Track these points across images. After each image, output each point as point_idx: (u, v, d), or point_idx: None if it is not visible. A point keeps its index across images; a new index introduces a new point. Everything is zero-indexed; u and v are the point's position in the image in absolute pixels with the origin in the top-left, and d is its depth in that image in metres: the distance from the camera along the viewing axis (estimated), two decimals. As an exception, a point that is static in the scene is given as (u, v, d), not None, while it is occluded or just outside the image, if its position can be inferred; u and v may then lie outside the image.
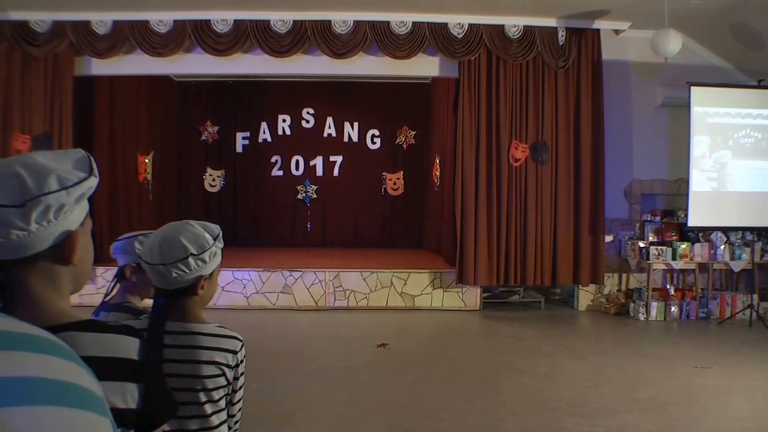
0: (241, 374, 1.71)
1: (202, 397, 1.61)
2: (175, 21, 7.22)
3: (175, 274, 1.60)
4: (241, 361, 1.70)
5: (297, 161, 10.82)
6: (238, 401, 1.72)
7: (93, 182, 0.93)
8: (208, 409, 1.62)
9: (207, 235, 1.65)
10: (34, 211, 0.86)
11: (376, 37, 7.29)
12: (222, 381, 1.65)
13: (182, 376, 1.59)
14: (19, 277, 0.88)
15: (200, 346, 1.63)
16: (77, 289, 0.99)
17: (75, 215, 0.93)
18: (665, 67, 7.36)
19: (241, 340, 1.70)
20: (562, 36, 7.42)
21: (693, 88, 7.10)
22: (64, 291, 0.94)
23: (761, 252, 7.42)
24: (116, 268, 2.22)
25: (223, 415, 1.68)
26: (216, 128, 10.78)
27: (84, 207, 0.95)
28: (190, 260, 1.59)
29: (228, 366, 1.66)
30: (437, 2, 6.92)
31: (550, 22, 7.38)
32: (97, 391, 0.51)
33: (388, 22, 7.28)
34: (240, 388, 1.72)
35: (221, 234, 1.72)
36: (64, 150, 0.95)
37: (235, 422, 1.73)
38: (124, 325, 1.65)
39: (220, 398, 1.66)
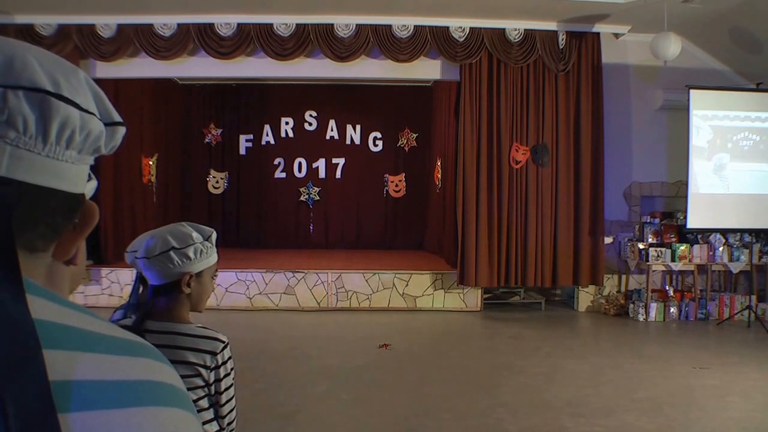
0: (225, 375, 1.70)
1: None
2: (179, 24, 7.27)
3: (158, 268, 1.63)
4: (224, 363, 1.70)
5: (300, 163, 10.88)
6: (227, 402, 1.72)
7: (95, 184, 0.98)
8: None
9: (195, 234, 1.67)
10: None
11: (379, 41, 7.34)
12: (198, 382, 1.65)
13: None
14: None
15: (176, 346, 1.64)
16: (71, 291, 1.01)
17: None
18: (664, 71, 7.41)
19: (223, 342, 1.70)
20: (563, 39, 7.48)
21: (692, 91, 7.16)
22: (66, 292, 0.97)
23: (759, 253, 7.47)
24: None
25: (207, 415, 1.68)
26: (219, 131, 10.85)
27: None
28: (172, 254, 1.62)
29: (205, 367, 1.66)
30: (439, 6, 6.97)
31: (551, 25, 7.44)
32: (181, 386, 0.51)
33: (390, 26, 7.34)
34: (226, 389, 1.71)
35: (214, 237, 1.73)
36: None
37: (228, 423, 1.74)
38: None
39: (199, 399, 1.66)
